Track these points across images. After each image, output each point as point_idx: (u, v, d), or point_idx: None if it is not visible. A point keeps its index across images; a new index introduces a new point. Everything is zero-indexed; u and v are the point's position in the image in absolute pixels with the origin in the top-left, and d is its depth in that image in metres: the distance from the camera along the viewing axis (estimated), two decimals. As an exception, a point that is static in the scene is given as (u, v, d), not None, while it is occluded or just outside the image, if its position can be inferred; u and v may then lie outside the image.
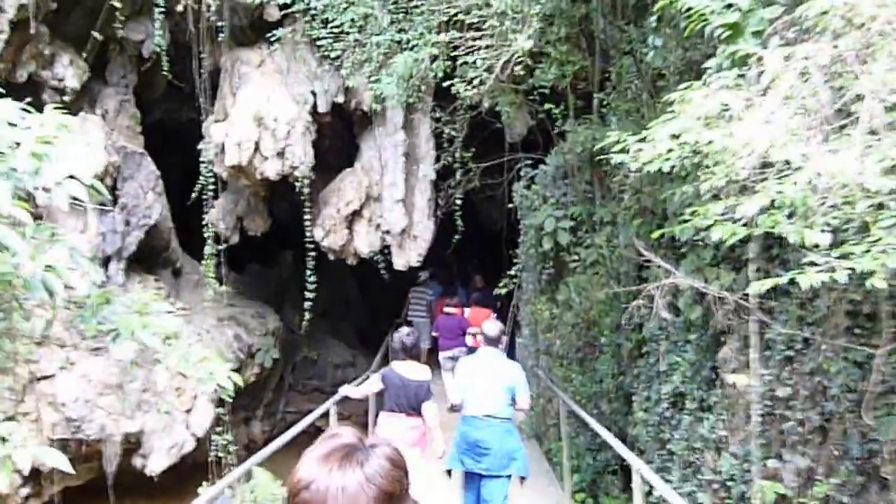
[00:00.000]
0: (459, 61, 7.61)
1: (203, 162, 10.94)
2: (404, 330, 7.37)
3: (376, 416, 8.01)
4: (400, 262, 12.35)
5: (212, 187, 10.99)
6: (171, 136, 13.13)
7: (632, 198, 6.85)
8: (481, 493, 6.56)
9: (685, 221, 5.12)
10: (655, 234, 5.84)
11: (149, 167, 11.75)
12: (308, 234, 11.54)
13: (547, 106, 10.04)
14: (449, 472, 6.84)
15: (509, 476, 6.55)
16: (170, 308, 12.32)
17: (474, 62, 7.58)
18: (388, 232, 12.22)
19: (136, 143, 11.79)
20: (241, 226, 12.55)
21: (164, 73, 10.70)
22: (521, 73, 8.25)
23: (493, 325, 6.98)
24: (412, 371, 6.93)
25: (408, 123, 12.27)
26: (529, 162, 10.97)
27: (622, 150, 5.00)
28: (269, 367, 13.87)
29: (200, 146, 10.96)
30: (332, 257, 12.54)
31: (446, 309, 12.91)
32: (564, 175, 10.36)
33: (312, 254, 11.55)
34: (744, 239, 5.91)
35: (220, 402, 12.74)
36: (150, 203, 11.75)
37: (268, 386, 15.19)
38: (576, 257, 9.53)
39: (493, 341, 6.87)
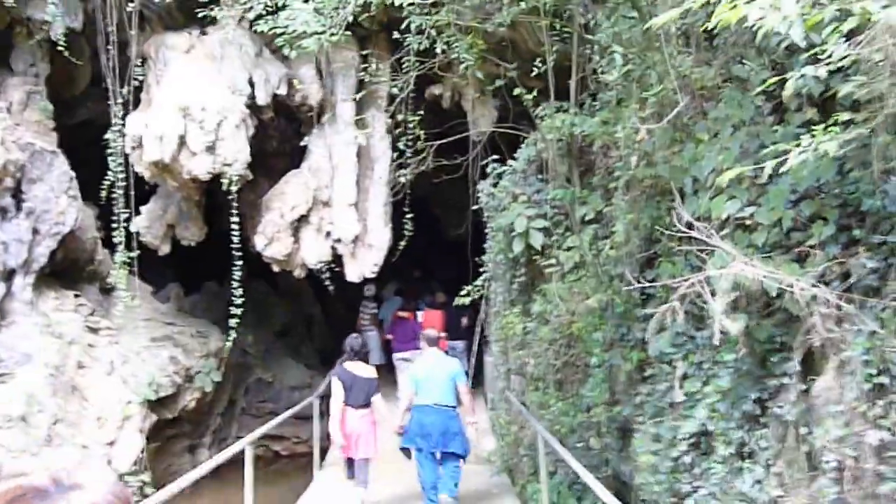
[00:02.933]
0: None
1: (111, 155, 8.58)
2: (353, 335, 8.15)
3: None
4: (353, 274, 10.12)
5: (122, 183, 8.58)
6: (101, 138, 10.78)
7: (637, 175, 4.69)
8: (441, 470, 7.33)
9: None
10: (686, 212, 3.69)
11: (61, 167, 9.40)
12: (235, 240, 9.22)
13: (516, 91, 7.92)
14: (406, 451, 7.45)
15: (462, 456, 7.37)
16: (88, 327, 10.01)
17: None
18: (339, 240, 9.99)
19: (47, 140, 9.44)
20: (174, 235, 10.21)
21: (72, 59, 8.38)
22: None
23: (432, 331, 8.05)
24: (361, 370, 7.63)
25: (360, 120, 10.10)
26: (496, 157, 8.82)
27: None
28: (211, 391, 11.48)
29: (108, 135, 8.62)
30: (276, 268, 10.26)
31: (399, 313, 12.64)
32: (538, 169, 8.25)
33: (239, 263, 9.24)
34: (811, 217, 3.81)
35: (153, 431, 10.40)
36: (64, 208, 9.39)
37: (214, 410, 12.76)
38: (553, 262, 7.40)
39: (433, 342, 7.82)
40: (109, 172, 8.56)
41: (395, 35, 6.14)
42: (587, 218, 7.22)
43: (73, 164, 9.67)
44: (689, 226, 4.26)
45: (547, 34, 5.65)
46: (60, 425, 9.28)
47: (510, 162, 8.61)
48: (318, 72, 9.56)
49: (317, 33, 5.09)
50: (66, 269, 10.49)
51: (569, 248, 7.33)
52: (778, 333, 4.06)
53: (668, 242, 4.92)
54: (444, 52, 5.55)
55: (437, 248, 16.17)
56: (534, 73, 7.45)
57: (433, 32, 5.37)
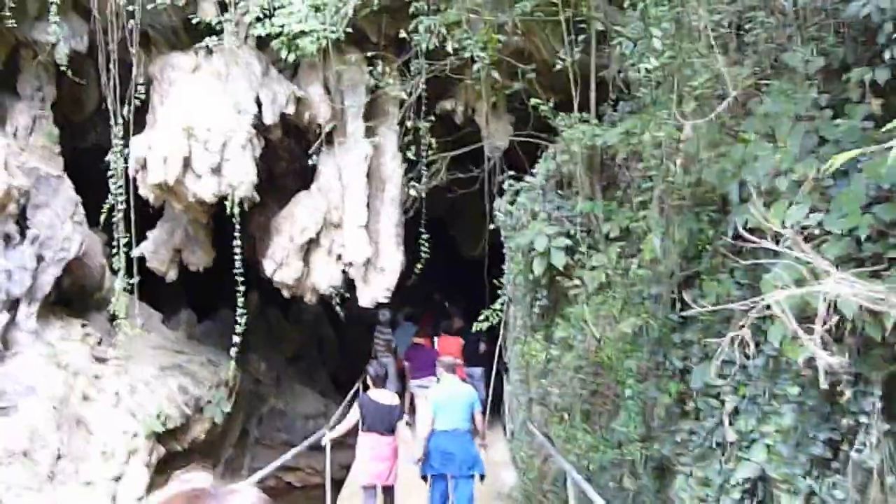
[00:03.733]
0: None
1: (111, 177, 8.03)
2: (374, 363, 8.19)
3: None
4: (365, 298, 9.47)
5: (122, 206, 8.00)
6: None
7: (676, 183, 4.03)
8: (453, 492, 7.36)
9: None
10: (740, 221, 3.03)
11: (67, 192, 8.90)
12: (239, 265, 8.60)
13: (534, 101, 7.32)
14: (424, 477, 7.46)
15: (473, 476, 7.40)
16: (95, 357, 9.42)
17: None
18: (350, 264, 9.36)
19: (52, 165, 8.95)
20: (181, 260, 9.65)
21: (76, 80, 7.88)
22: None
23: (449, 358, 8.20)
24: (384, 397, 7.47)
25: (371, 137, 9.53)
26: (513, 174, 8.20)
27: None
28: (222, 421, 10.83)
29: (108, 157, 8.07)
30: (286, 294, 9.64)
31: (415, 340, 11.87)
32: (558, 184, 7.61)
33: (242, 289, 8.60)
34: (890, 223, 3.13)
35: (161, 464, 9.76)
36: (68, 234, 8.86)
37: (226, 442, 12.11)
38: (577, 282, 6.73)
39: (451, 369, 7.79)
40: (110, 195, 8.00)
41: (402, 35, 5.55)
42: (611, 235, 6.58)
43: (82, 189, 9.16)
44: (737, 238, 3.61)
45: (567, 28, 5.00)
46: (64, 461, 8.69)
47: (527, 178, 7.98)
48: (327, 90, 9.01)
49: (316, 31, 4.51)
50: (73, 297, 9.96)
51: (593, 268, 6.66)
52: (850, 362, 3.38)
53: (711, 259, 4.26)
54: (455, 51, 4.95)
55: (453, 270, 15.53)
56: (549, 83, 6.87)
57: (443, 31, 4.78)
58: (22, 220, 8.62)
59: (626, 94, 7.67)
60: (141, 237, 9.56)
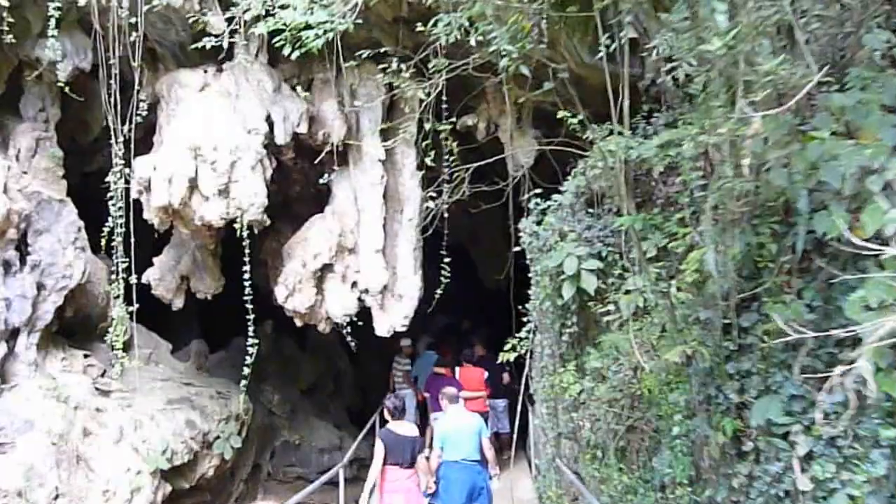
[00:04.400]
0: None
1: (111, 198, 7.62)
2: (391, 396, 8.19)
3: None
4: (382, 327, 8.96)
5: (121, 230, 7.56)
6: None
7: (733, 190, 3.50)
8: None
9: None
10: (821, 230, 2.51)
11: (69, 217, 8.52)
12: (248, 292, 8.13)
13: (560, 114, 6.86)
14: None
15: None
16: (98, 389, 8.96)
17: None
18: (366, 290, 8.88)
19: (55, 188, 8.58)
20: (189, 287, 9.21)
21: (75, 97, 7.54)
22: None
23: (451, 389, 8.25)
24: (404, 429, 7.45)
25: (388, 158, 9.11)
26: (538, 192, 7.72)
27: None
28: (231, 457, 10.30)
29: (109, 178, 7.67)
30: (298, 322, 9.16)
31: (435, 369, 11.08)
32: (588, 202, 7.12)
33: (251, 318, 8.13)
34: None
35: (168, 501, 9.23)
36: (71, 260, 8.46)
37: (237, 477, 11.56)
38: (611, 307, 6.19)
39: (454, 399, 7.94)
40: (110, 218, 7.59)
41: (420, 34, 5.10)
42: (648, 255, 6.05)
43: (88, 214, 8.80)
44: (810, 251, 3.08)
45: (600, 24, 4.52)
46: (62, 500, 8.19)
47: (555, 196, 7.49)
48: (341, 106, 8.60)
49: (321, 24, 4.07)
50: (77, 327, 9.54)
51: (628, 291, 6.13)
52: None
53: (774, 277, 3.72)
54: (479, 43, 4.50)
55: (474, 296, 15.00)
56: (577, 95, 6.39)
57: (465, 23, 4.33)
58: (22, 246, 8.24)
59: (659, 106, 7.22)
60: (148, 263, 9.17)
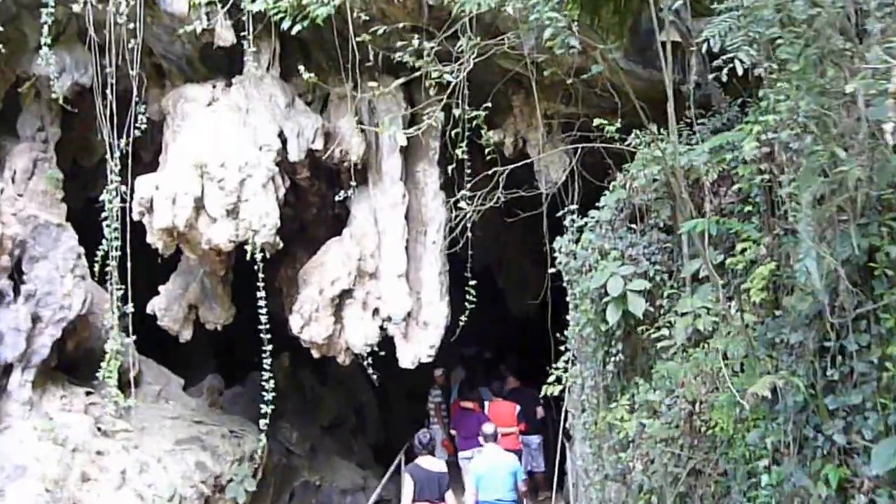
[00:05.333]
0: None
1: (105, 219, 7.03)
2: (421, 431, 8.15)
3: None
4: (406, 358, 8.27)
5: (116, 253, 6.95)
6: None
7: (847, 178, 2.78)
8: None
9: None
10: None
11: (68, 243, 7.97)
12: (264, 320, 7.49)
13: (597, 121, 6.20)
14: None
15: None
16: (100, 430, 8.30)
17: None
18: (388, 318, 8.21)
19: (53, 212, 8.06)
20: (197, 317, 8.59)
21: (70, 109, 7.02)
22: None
23: (489, 426, 8.09)
24: (432, 464, 7.53)
25: (410, 177, 8.50)
26: (574, 207, 7.03)
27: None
28: (245, 501, 9.57)
29: (103, 196, 7.10)
30: (315, 354, 8.49)
31: (463, 404, 10.45)
32: (630, 218, 6.41)
33: (268, 349, 7.48)
34: None
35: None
36: (69, 289, 7.89)
37: (252, 522, 10.83)
38: (664, 332, 5.44)
39: (492, 438, 7.83)
40: (104, 241, 7.00)
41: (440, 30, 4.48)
42: (700, 275, 5.34)
43: (92, 240, 8.26)
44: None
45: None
46: (59, 551, 7.54)
47: (591, 212, 6.79)
48: (359, 123, 8.03)
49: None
50: (79, 361, 8.95)
51: (684, 314, 5.37)
52: None
53: (890, 289, 2.98)
54: (515, 21, 3.86)
55: (502, 325, 14.25)
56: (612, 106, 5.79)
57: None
58: (16, 275, 7.69)
59: (704, 112, 6.59)
60: (154, 292, 8.58)
